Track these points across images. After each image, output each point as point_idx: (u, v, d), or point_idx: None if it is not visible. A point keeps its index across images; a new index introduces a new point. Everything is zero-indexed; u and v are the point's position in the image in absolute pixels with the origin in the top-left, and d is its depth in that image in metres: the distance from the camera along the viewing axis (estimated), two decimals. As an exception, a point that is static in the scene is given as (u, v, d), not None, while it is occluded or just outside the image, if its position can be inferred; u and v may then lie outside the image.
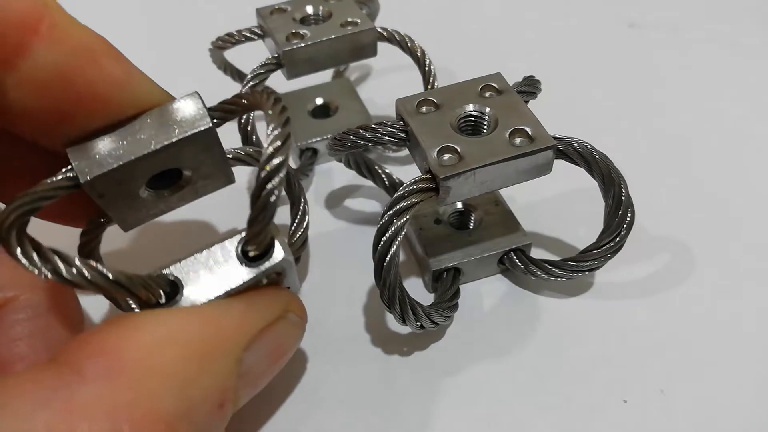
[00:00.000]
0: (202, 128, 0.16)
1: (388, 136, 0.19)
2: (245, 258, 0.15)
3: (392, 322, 0.20)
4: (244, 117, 0.22)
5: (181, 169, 0.17)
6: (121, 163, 0.15)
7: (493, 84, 0.19)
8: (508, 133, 0.18)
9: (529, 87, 0.20)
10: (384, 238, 0.17)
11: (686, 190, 0.24)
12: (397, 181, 0.23)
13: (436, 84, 0.24)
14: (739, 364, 0.19)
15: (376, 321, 0.21)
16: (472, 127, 0.19)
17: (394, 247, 0.17)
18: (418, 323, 0.18)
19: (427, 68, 0.24)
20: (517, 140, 0.18)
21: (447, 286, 0.20)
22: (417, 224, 0.22)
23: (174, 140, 0.15)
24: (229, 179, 0.18)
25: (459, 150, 0.18)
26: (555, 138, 0.18)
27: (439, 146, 0.18)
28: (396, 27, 0.24)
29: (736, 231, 0.23)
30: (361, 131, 0.19)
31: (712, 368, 0.19)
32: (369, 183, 0.24)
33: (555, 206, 0.24)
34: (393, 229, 0.17)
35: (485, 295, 0.21)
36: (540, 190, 0.23)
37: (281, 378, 0.19)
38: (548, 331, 0.20)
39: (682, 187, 0.24)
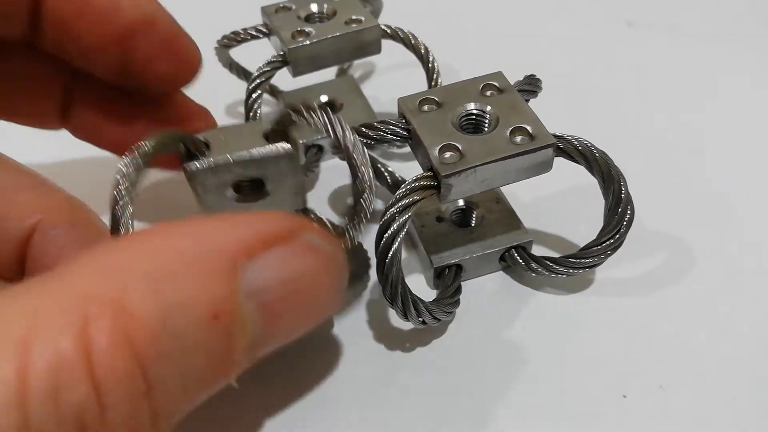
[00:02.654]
0: (287, 151, 0.18)
1: (391, 135, 0.19)
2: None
3: (394, 317, 0.20)
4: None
5: (264, 183, 0.18)
6: (229, 161, 0.17)
7: (495, 83, 0.20)
8: (508, 132, 0.18)
9: (530, 86, 0.21)
10: (386, 234, 0.17)
11: (685, 188, 0.24)
12: (399, 179, 0.23)
13: (440, 81, 0.24)
14: (739, 360, 0.19)
15: (379, 317, 0.21)
16: (473, 125, 0.19)
17: (396, 243, 0.17)
18: (420, 319, 0.18)
19: (430, 65, 0.24)
20: (518, 138, 0.18)
21: (449, 282, 0.21)
22: (419, 222, 0.22)
23: (265, 155, 0.18)
24: (303, 204, 0.20)
25: (460, 148, 0.18)
26: (555, 136, 0.18)
27: (441, 144, 0.18)
28: (399, 24, 0.25)
29: (737, 228, 0.23)
30: (363, 129, 0.19)
31: (711, 364, 0.19)
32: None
33: (555, 203, 0.24)
34: (395, 226, 0.17)
35: (485, 291, 0.22)
36: (541, 187, 0.23)
37: (284, 373, 0.19)
38: (548, 328, 0.20)
39: (681, 185, 0.25)
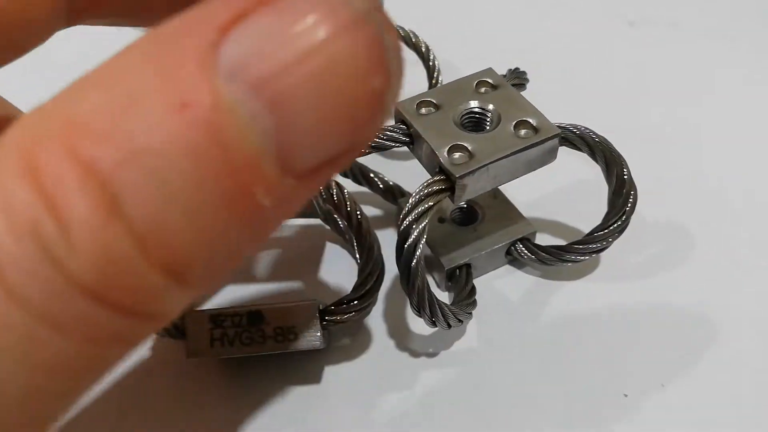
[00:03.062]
0: None
1: (390, 141, 0.19)
2: None
3: (406, 322, 0.20)
4: None
5: None
6: None
7: (487, 79, 0.20)
8: (512, 126, 0.18)
9: (518, 79, 0.21)
10: (407, 244, 0.17)
11: (686, 183, 0.24)
12: (391, 184, 0.23)
13: (440, 80, 0.24)
14: (740, 358, 0.19)
15: (396, 324, 0.20)
16: (474, 123, 0.19)
17: (419, 251, 0.17)
18: (447, 323, 0.18)
19: (431, 63, 0.24)
20: (522, 132, 0.18)
21: (462, 283, 0.20)
22: (421, 225, 0.22)
23: None
24: (320, 215, 0.20)
25: (468, 147, 0.18)
26: (559, 125, 0.19)
27: (449, 145, 0.18)
28: (399, 22, 0.24)
29: (736, 224, 0.23)
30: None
31: (713, 363, 0.19)
32: (364, 189, 0.23)
33: (552, 193, 0.24)
34: (415, 234, 0.17)
35: (485, 286, 0.21)
36: (536, 179, 0.23)
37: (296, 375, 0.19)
38: (548, 328, 0.20)
39: (681, 180, 0.25)
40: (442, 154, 0.18)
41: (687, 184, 0.24)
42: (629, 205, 0.19)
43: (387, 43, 0.09)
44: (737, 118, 0.27)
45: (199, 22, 0.08)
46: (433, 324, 0.18)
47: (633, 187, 0.19)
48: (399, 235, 0.17)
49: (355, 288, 0.18)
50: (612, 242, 0.20)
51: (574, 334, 0.20)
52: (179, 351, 0.19)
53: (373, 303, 0.19)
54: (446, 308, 0.18)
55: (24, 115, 0.09)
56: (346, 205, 0.17)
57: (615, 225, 0.19)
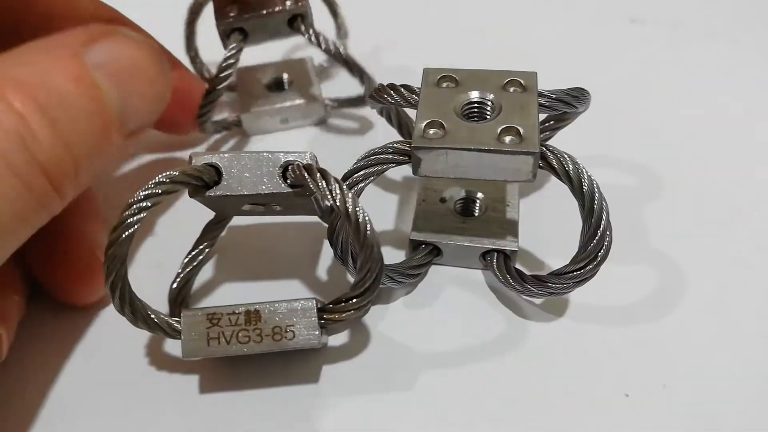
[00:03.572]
0: (284, 191, 0.18)
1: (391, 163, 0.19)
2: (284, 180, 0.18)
3: (404, 321, 0.21)
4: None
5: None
6: (242, 193, 0.18)
7: (522, 80, 0.19)
8: (500, 128, 0.18)
9: (568, 97, 0.20)
10: (349, 180, 0.18)
11: (688, 185, 0.24)
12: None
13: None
14: (742, 359, 0.19)
15: (395, 322, 0.21)
16: (476, 113, 0.19)
17: (357, 187, 0.18)
18: (353, 266, 0.19)
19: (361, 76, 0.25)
20: (507, 138, 0.18)
21: (418, 256, 0.21)
22: (423, 195, 0.23)
23: (274, 192, 0.18)
24: (318, 213, 0.20)
25: (446, 127, 0.18)
26: (551, 150, 0.18)
27: (430, 119, 0.18)
28: (406, 20, 0.25)
29: (740, 226, 0.23)
30: (393, 92, 0.20)
31: (715, 363, 0.19)
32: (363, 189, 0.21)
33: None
34: (357, 175, 0.18)
35: (486, 285, 0.21)
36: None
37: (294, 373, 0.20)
38: (550, 326, 0.20)
39: (684, 181, 0.24)
40: (420, 125, 0.18)
41: (687, 183, 0.24)
42: (600, 252, 0.17)
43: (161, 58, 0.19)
44: (738, 117, 0.27)
45: (70, 37, 0.17)
46: (342, 261, 0.19)
47: (607, 239, 0.17)
48: (345, 173, 0.18)
49: (354, 286, 0.17)
50: (574, 288, 0.19)
51: (575, 333, 0.20)
52: (176, 350, 0.19)
53: (372, 301, 0.18)
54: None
55: None
56: (346, 202, 0.16)
57: (578, 272, 0.18)
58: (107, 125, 0.17)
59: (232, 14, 0.24)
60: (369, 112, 0.28)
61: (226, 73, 0.24)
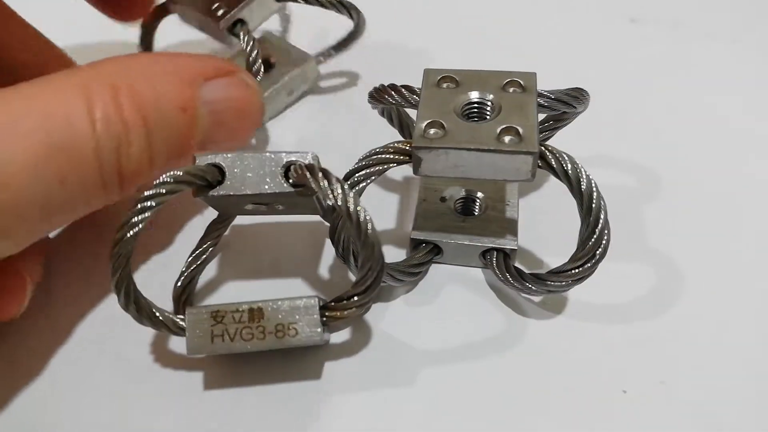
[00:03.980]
0: (286, 191, 0.18)
1: (392, 162, 0.20)
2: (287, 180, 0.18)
3: (406, 318, 0.21)
4: None
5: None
6: (245, 192, 0.18)
7: (521, 81, 0.19)
8: (500, 128, 0.18)
9: (568, 97, 0.20)
10: (350, 180, 0.18)
11: (689, 185, 0.24)
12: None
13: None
14: (740, 355, 0.19)
15: (396, 320, 0.21)
16: (475, 113, 0.19)
17: (358, 186, 0.18)
18: (354, 263, 0.19)
19: None
20: (506, 138, 0.18)
21: (419, 255, 0.21)
22: (423, 195, 0.23)
23: (277, 191, 0.18)
24: (320, 212, 0.20)
25: (446, 127, 0.18)
26: (550, 150, 0.18)
27: (431, 119, 0.18)
28: (411, 19, 0.25)
29: (740, 225, 0.23)
30: (394, 92, 0.20)
31: (712, 360, 0.19)
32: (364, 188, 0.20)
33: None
34: (359, 174, 0.18)
35: (486, 283, 0.22)
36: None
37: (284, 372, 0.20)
38: (549, 323, 0.20)
39: (684, 182, 0.24)
40: (420, 125, 0.18)
41: (686, 182, 0.24)
42: (598, 252, 0.18)
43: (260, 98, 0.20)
44: (738, 117, 0.27)
45: (197, 65, 0.19)
46: (343, 259, 0.19)
47: (605, 239, 0.18)
48: (346, 173, 0.19)
49: (355, 284, 0.18)
50: (572, 286, 0.19)
51: (574, 330, 0.20)
52: (180, 348, 0.20)
53: (373, 299, 0.18)
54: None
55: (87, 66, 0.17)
56: (347, 202, 0.16)
57: (576, 270, 0.18)
58: (186, 152, 0.18)
59: (222, 11, 0.24)
60: (363, 55, 0.29)
61: (256, 66, 0.24)
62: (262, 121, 0.21)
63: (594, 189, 0.17)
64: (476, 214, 0.22)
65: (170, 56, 0.19)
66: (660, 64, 0.30)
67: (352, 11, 0.26)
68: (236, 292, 0.22)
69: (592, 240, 0.18)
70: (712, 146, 0.26)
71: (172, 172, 0.17)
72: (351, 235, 0.18)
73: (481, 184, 0.23)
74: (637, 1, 0.33)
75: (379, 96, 0.21)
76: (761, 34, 0.31)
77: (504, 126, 0.18)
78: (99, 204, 0.17)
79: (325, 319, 0.18)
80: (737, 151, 0.26)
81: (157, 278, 0.22)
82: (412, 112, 0.20)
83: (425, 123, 0.18)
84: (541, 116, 0.22)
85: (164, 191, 0.17)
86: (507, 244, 0.21)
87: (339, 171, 0.18)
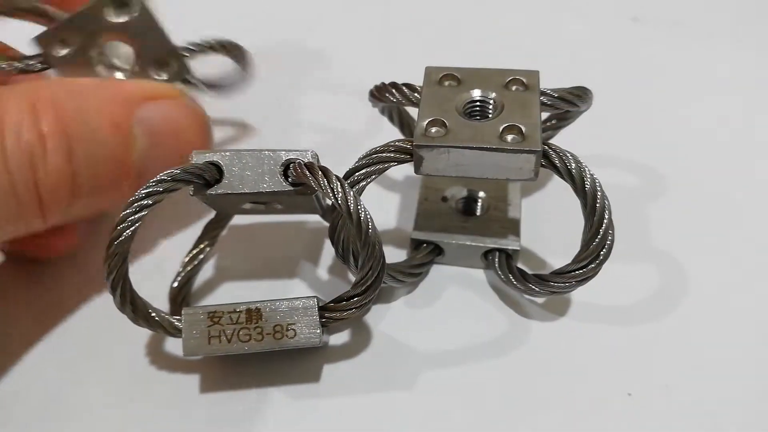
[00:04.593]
0: (285, 189, 0.18)
1: (393, 161, 0.19)
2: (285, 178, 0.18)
3: (406, 320, 0.21)
4: None
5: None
6: (244, 191, 0.18)
7: (524, 79, 0.19)
8: (502, 127, 0.18)
9: (571, 96, 0.20)
10: (351, 179, 0.18)
11: (690, 185, 0.24)
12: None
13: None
14: (744, 359, 0.19)
15: (396, 321, 0.21)
16: (478, 112, 0.19)
17: (358, 185, 0.18)
18: (355, 265, 0.19)
19: None
20: (509, 137, 0.17)
21: (420, 255, 0.21)
22: (425, 194, 0.22)
23: (276, 190, 0.18)
24: (319, 211, 0.20)
25: (448, 126, 0.18)
26: (553, 149, 0.18)
27: (432, 117, 0.18)
28: (415, 22, 0.25)
29: (742, 226, 0.23)
30: (395, 90, 0.20)
31: (717, 364, 0.19)
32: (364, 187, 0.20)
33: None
34: (359, 173, 0.18)
35: (488, 285, 0.21)
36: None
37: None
38: (552, 325, 0.20)
39: (686, 181, 0.24)
40: (422, 123, 0.18)
41: (689, 182, 0.24)
42: (603, 252, 0.17)
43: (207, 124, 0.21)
44: (739, 117, 0.27)
45: (136, 88, 0.19)
46: (343, 259, 0.19)
47: (609, 240, 0.17)
48: (346, 172, 0.18)
49: (355, 285, 0.17)
50: (576, 287, 0.19)
51: (577, 332, 0.20)
52: (176, 349, 0.19)
53: (373, 300, 0.18)
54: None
55: (24, 86, 0.17)
56: (347, 201, 0.16)
57: (581, 271, 0.18)
58: (122, 175, 0.18)
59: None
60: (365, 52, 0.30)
61: None
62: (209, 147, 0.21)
63: (598, 188, 0.17)
64: (478, 214, 0.22)
65: (110, 79, 0.19)
66: (661, 63, 0.30)
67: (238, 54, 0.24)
68: (234, 293, 0.21)
69: (596, 240, 0.17)
70: (713, 146, 0.26)
71: (169, 170, 0.17)
72: (351, 235, 0.18)
73: (483, 184, 0.22)
74: (639, 0, 0.33)
75: (379, 94, 0.21)
76: (761, 34, 0.31)
77: (506, 124, 0.18)
78: (18, 225, 0.17)
79: (324, 320, 0.18)
80: (738, 151, 0.26)
81: (153, 278, 0.21)
82: (413, 111, 0.20)
83: (426, 121, 0.18)
84: (544, 115, 0.21)
85: (161, 189, 0.16)
86: (509, 244, 0.21)
87: (339, 170, 0.18)
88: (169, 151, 0.19)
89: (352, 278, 0.21)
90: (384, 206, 0.24)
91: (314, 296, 0.18)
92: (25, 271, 0.22)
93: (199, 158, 0.18)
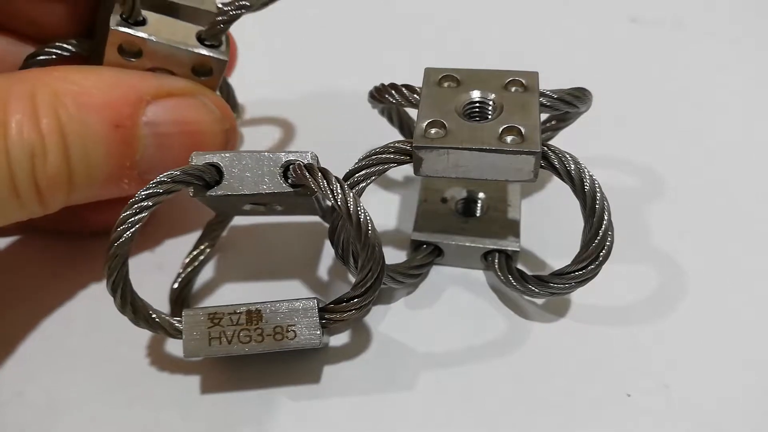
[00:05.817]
0: (285, 191, 0.18)
1: (392, 162, 0.19)
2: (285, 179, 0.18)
3: (406, 321, 0.21)
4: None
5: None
6: (244, 192, 0.18)
7: (523, 80, 0.19)
8: (502, 128, 0.18)
9: (570, 96, 0.20)
10: (350, 180, 0.18)
11: (690, 186, 0.24)
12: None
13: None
14: (745, 359, 0.19)
15: (396, 322, 0.21)
16: (477, 113, 0.19)
17: (358, 187, 0.18)
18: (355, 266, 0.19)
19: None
20: (508, 138, 0.17)
21: (419, 256, 0.21)
22: (424, 195, 0.23)
23: (275, 191, 0.18)
24: (319, 212, 0.20)
25: (447, 127, 0.18)
26: (552, 150, 0.18)
27: (432, 119, 0.18)
28: (417, 22, 0.25)
29: (743, 227, 0.23)
30: (394, 91, 0.20)
31: (717, 364, 0.19)
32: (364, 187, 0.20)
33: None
34: (359, 174, 0.18)
35: (488, 286, 0.21)
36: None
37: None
38: (551, 326, 0.20)
39: (686, 182, 0.24)
40: (421, 125, 0.18)
41: (688, 183, 0.24)
42: (602, 253, 0.17)
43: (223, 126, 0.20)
44: (738, 117, 0.27)
45: (146, 84, 0.18)
46: (343, 260, 0.19)
47: (608, 241, 0.17)
48: (345, 173, 0.18)
49: (355, 286, 0.17)
50: (575, 288, 0.19)
51: (577, 333, 0.20)
52: (177, 350, 0.19)
53: (373, 301, 0.18)
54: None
55: (30, 71, 0.17)
56: (347, 202, 0.16)
57: (580, 272, 0.18)
58: (122, 174, 0.18)
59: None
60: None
61: None
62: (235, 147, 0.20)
63: (597, 189, 0.17)
64: (478, 215, 0.22)
65: (116, 71, 0.18)
66: (660, 63, 0.30)
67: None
68: (234, 294, 0.22)
69: (596, 241, 0.17)
70: (712, 146, 0.26)
71: (169, 172, 0.17)
72: (351, 236, 0.18)
73: (482, 185, 0.22)
74: (638, 1, 0.33)
75: (379, 95, 0.21)
76: (761, 34, 0.31)
77: (506, 126, 0.18)
78: (17, 214, 0.17)
79: (324, 321, 0.18)
80: (738, 151, 0.26)
81: (153, 280, 0.21)
82: (412, 113, 0.20)
83: (426, 122, 0.18)
84: (544, 116, 0.22)
85: (161, 191, 0.17)
86: (509, 245, 0.21)
87: (338, 171, 0.18)
88: (179, 152, 0.18)
89: (352, 279, 0.21)
90: (384, 207, 0.24)
91: (314, 297, 0.18)
92: (26, 273, 0.22)
93: (198, 159, 0.18)
